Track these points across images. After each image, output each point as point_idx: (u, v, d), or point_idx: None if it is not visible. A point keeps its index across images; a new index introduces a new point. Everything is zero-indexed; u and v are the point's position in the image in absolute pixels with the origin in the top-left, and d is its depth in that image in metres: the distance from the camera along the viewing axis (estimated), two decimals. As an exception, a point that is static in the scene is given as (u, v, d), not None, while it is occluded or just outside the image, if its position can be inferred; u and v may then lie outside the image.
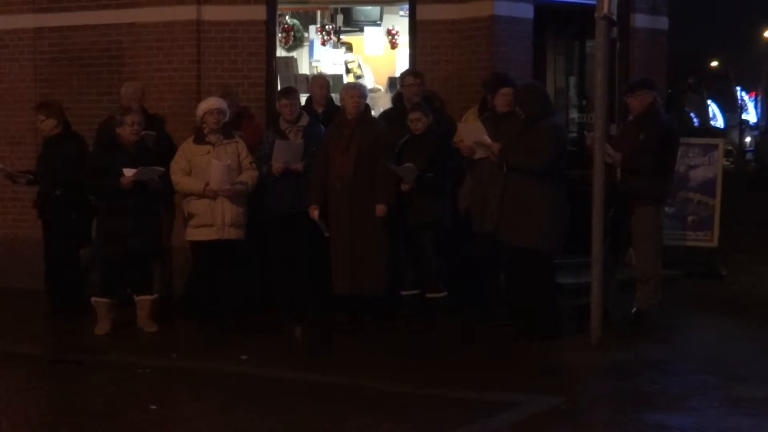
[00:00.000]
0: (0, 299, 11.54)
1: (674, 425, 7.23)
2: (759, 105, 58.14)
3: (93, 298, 9.99)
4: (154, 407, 7.78)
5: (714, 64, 53.46)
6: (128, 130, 9.79)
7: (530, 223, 9.23)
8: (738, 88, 54.74)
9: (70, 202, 10.35)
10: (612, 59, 10.35)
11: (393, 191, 9.97)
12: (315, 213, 10.05)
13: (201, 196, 9.99)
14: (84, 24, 12.11)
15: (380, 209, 9.94)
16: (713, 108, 50.06)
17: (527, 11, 11.51)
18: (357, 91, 10.32)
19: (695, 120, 35.27)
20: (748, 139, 51.42)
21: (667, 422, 7.29)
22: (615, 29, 11.08)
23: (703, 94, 45.07)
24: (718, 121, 49.12)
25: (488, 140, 9.46)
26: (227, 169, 9.91)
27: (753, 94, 58.07)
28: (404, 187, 9.95)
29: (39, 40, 12.40)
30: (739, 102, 55.01)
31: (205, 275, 10.21)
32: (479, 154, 9.83)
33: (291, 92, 10.61)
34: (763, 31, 52.87)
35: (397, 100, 10.86)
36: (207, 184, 9.93)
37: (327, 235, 10.07)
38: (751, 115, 56.80)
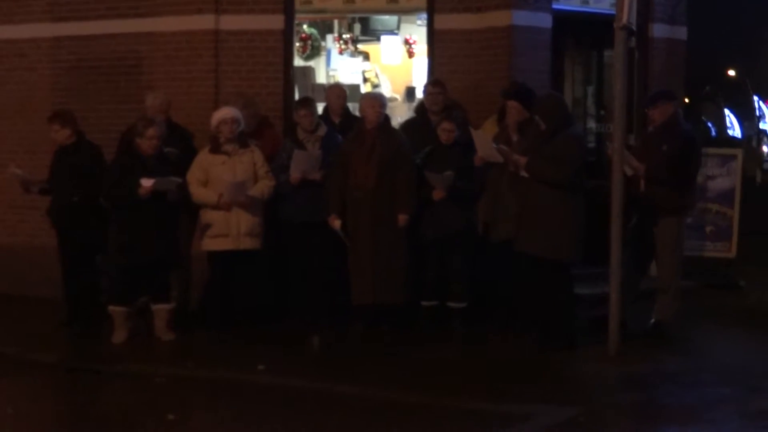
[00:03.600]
0: (18, 307, 11.59)
1: (692, 437, 7.24)
2: (776, 114, 57.88)
3: (110, 307, 9.99)
4: (171, 417, 7.78)
5: (731, 72, 53.30)
6: (147, 143, 9.79)
7: (551, 232, 9.21)
8: (755, 97, 54.55)
9: (86, 210, 10.33)
10: (630, 69, 10.32)
11: (415, 201, 9.96)
12: (336, 223, 10.04)
13: (215, 207, 9.99)
14: (102, 33, 12.15)
15: (402, 219, 9.94)
16: (730, 117, 49.93)
17: (546, 21, 11.51)
18: (377, 101, 10.32)
19: (712, 130, 35.16)
20: (765, 149, 51.17)
21: (686, 435, 7.29)
22: (633, 39, 11.04)
23: (720, 103, 44.97)
24: (735, 131, 48.99)
25: (514, 154, 9.42)
26: (239, 186, 9.92)
27: (770, 103, 57.85)
28: (437, 195, 9.94)
29: (57, 49, 12.45)
30: (757, 111, 54.80)
31: (221, 285, 10.21)
32: (493, 158, 9.81)
33: (309, 102, 10.62)
34: (780, 40, 52.71)
35: (421, 109, 10.87)
36: (221, 195, 9.94)
37: (348, 244, 10.07)
38: (768, 125, 56.58)
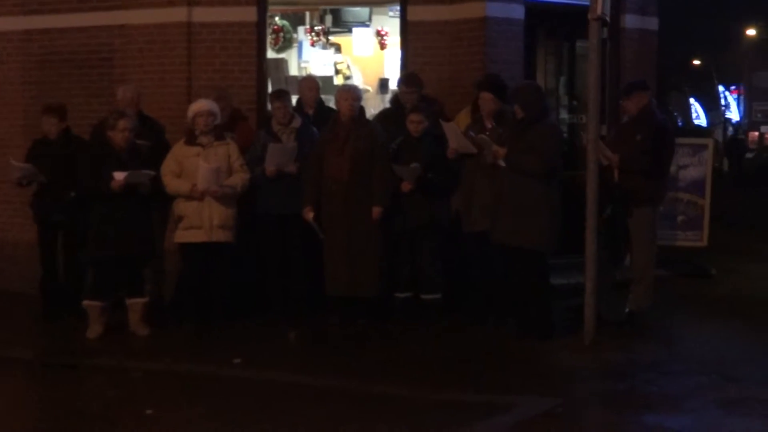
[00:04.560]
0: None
1: (672, 427, 7.27)
2: (741, 103, 58.35)
3: (85, 302, 9.94)
4: (149, 411, 7.74)
5: (696, 62, 53.61)
6: (119, 135, 9.76)
7: (529, 223, 9.24)
8: (720, 87, 54.94)
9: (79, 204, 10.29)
10: (603, 60, 10.37)
11: (389, 193, 9.97)
12: (310, 215, 10.05)
13: (189, 197, 9.96)
14: (74, 26, 12.07)
15: (376, 211, 9.94)
16: (696, 107, 50.25)
17: (518, 12, 11.53)
18: (351, 93, 10.32)
19: (679, 119, 35.40)
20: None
21: (665, 424, 7.33)
22: (605, 30, 11.10)
23: (686, 92, 45.22)
24: (701, 120, 49.31)
25: (494, 145, 9.44)
26: (215, 172, 9.88)
27: (735, 92, 58.28)
28: (405, 187, 9.95)
29: (28, 42, 12.35)
30: (722, 100, 55.21)
31: (194, 278, 10.18)
32: (466, 149, 9.83)
33: (283, 94, 10.60)
34: (745, 29, 53.06)
35: (396, 101, 10.87)
36: (194, 185, 9.91)
37: (321, 237, 10.07)
38: (733, 113, 57.00)
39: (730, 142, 38.62)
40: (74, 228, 10.46)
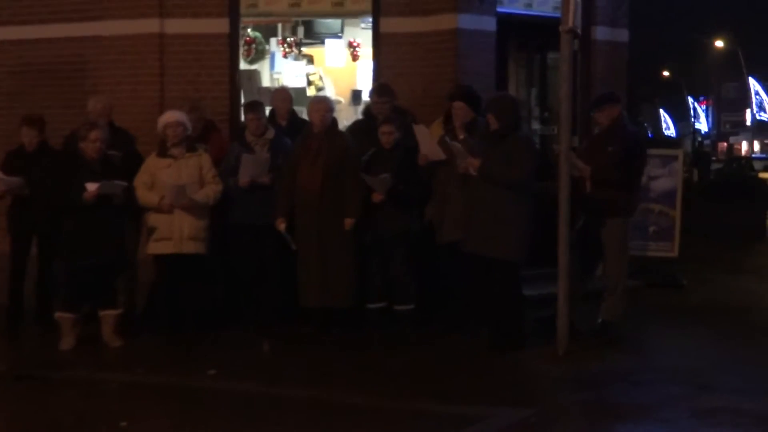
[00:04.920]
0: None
1: (645, 436, 7.33)
2: (710, 114, 58.76)
3: (57, 314, 9.90)
4: (123, 424, 7.71)
5: (666, 74, 53.96)
6: (91, 146, 9.75)
7: (501, 233, 9.28)
8: (690, 98, 55.33)
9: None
10: (574, 72, 10.44)
11: (361, 204, 9.99)
12: (282, 226, 10.05)
13: (158, 210, 9.97)
14: (46, 37, 12.08)
15: (348, 222, 9.96)
16: (665, 117, 50.57)
17: (490, 24, 11.61)
18: (323, 104, 10.34)
19: (649, 130, 35.62)
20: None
21: (639, 434, 7.38)
22: (576, 42, 11.17)
23: (656, 104, 45.49)
24: (671, 131, 49.62)
25: (468, 156, 9.46)
26: (178, 188, 9.89)
27: (704, 103, 58.70)
28: (376, 198, 9.98)
29: (0, 53, 12.30)
30: (691, 111, 55.59)
31: (166, 289, 10.17)
32: (436, 156, 9.86)
33: (257, 106, 10.60)
34: (713, 41, 53.44)
35: (368, 112, 10.90)
36: (162, 198, 9.92)
37: (293, 248, 10.08)
38: (702, 124, 57.38)
39: (695, 154, 38.88)
40: (50, 239, 10.44)
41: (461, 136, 9.95)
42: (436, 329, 10.24)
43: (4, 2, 12.30)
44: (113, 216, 9.82)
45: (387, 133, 10.12)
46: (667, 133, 47.38)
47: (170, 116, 10.15)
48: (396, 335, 10.12)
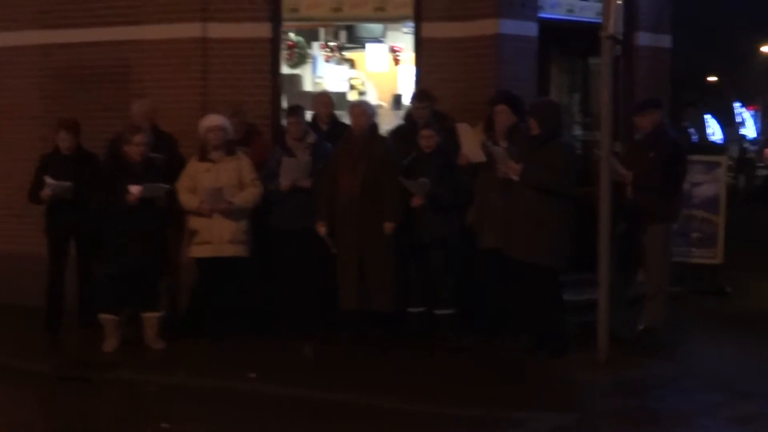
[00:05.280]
0: (5, 316, 11.55)
1: (684, 443, 7.29)
2: (758, 120, 58.19)
3: (100, 315, 9.99)
4: (164, 425, 7.79)
5: (712, 79, 53.51)
6: (135, 149, 9.84)
7: (542, 239, 9.26)
8: (737, 103, 54.84)
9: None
10: (616, 77, 10.40)
11: (401, 208, 10.01)
12: (322, 230, 10.09)
13: (197, 213, 10.03)
14: (90, 41, 12.12)
15: (388, 227, 9.97)
16: (712, 123, 50.17)
17: (532, 29, 11.56)
18: (360, 108, 10.38)
19: (694, 136, 35.32)
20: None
21: (678, 440, 7.35)
22: (619, 47, 11.11)
23: (701, 109, 45.15)
24: (717, 136, 49.21)
25: (510, 161, 9.45)
26: (216, 192, 9.96)
27: (752, 108, 58.15)
28: (415, 202, 9.99)
29: (45, 57, 12.41)
30: (738, 117, 55.09)
31: (206, 292, 10.23)
32: (476, 157, 9.84)
33: (298, 110, 10.66)
34: (760, 46, 52.95)
35: (409, 116, 10.91)
36: (202, 201, 10.00)
37: (334, 251, 10.10)
38: (749, 130, 56.84)
39: (740, 160, 38.52)
40: (88, 241, 10.54)
41: (503, 143, 9.92)
42: (477, 334, 10.22)
43: (49, 7, 12.39)
44: (155, 219, 9.90)
45: (427, 137, 10.14)
46: (713, 138, 46.94)
47: (212, 120, 10.22)
48: (436, 339, 10.12)
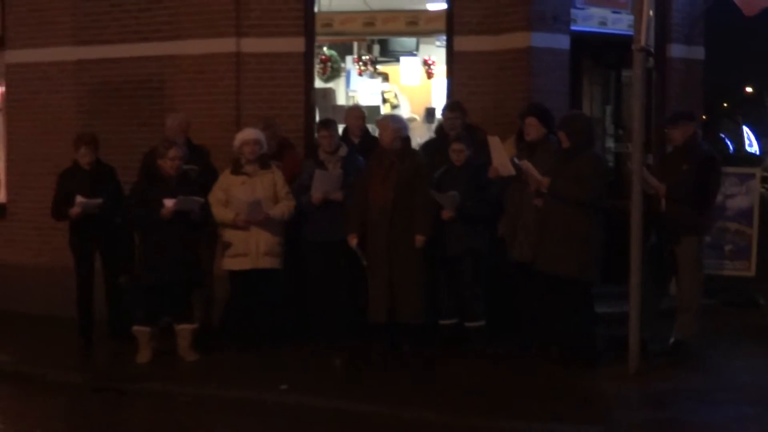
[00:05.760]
0: (42, 327, 11.69)
1: (715, 456, 7.28)
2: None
3: (135, 327, 10.07)
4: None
5: (749, 89, 53.18)
6: (169, 164, 9.92)
7: (573, 252, 9.28)
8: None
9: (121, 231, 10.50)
10: (648, 89, 10.40)
11: (432, 221, 10.05)
12: (354, 242, 10.14)
13: (233, 226, 10.10)
14: (125, 56, 12.28)
15: (419, 240, 10.02)
16: (748, 134, 49.82)
17: (564, 42, 11.59)
18: (385, 122, 10.44)
19: (730, 146, 35.10)
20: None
21: (708, 453, 7.34)
22: (651, 59, 11.12)
23: (738, 120, 44.85)
24: (754, 147, 48.84)
25: (538, 175, 9.48)
26: (256, 204, 10.03)
27: (789, 119, 57.66)
28: (445, 215, 10.03)
29: (81, 72, 12.58)
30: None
31: (241, 304, 10.30)
32: (506, 170, 9.87)
33: (330, 123, 10.73)
34: (797, 57, 52.56)
35: (440, 130, 10.96)
36: (237, 214, 10.06)
37: (365, 264, 10.15)
38: (787, 141, 56.40)
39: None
40: (113, 253, 10.66)
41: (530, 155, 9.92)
42: (508, 346, 10.23)
43: (85, 23, 12.55)
44: (190, 231, 9.97)
45: (458, 151, 10.18)
46: (750, 150, 46.62)
47: (248, 134, 10.30)
48: (467, 352, 10.15)
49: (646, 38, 9.13)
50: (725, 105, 38.52)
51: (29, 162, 12.97)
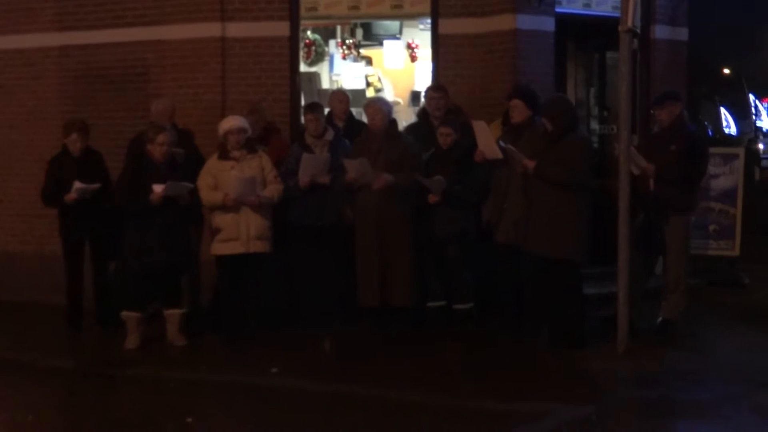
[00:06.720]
0: (29, 314, 11.67)
1: (706, 434, 7.33)
2: (773, 112, 57.90)
3: (123, 313, 10.05)
4: (189, 420, 7.86)
5: (726, 71, 53.30)
6: (158, 149, 9.88)
7: (561, 233, 9.31)
8: (751, 95, 54.58)
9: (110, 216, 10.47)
10: (633, 71, 10.43)
11: (409, 184, 10.06)
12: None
13: (223, 208, 10.08)
14: (109, 42, 12.26)
15: (386, 178, 10.02)
16: (726, 115, 49.97)
17: (549, 24, 11.61)
18: (376, 106, 10.45)
19: (709, 128, 35.18)
20: (761, 146, 51.14)
21: (698, 430, 7.39)
22: (636, 41, 11.15)
23: (716, 101, 44.96)
24: (732, 129, 49.00)
25: (523, 158, 9.51)
26: (248, 182, 10.00)
27: (766, 100, 57.91)
28: (432, 199, 10.05)
29: (65, 58, 12.56)
30: (753, 109, 54.82)
31: (231, 288, 10.29)
32: (493, 153, 9.89)
33: (316, 107, 10.72)
34: (775, 37, 52.73)
35: (423, 114, 10.96)
36: (226, 194, 10.02)
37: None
38: (765, 122, 56.61)
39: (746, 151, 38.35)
40: (103, 240, 10.65)
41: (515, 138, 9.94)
42: (496, 328, 10.26)
43: (69, 8, 12.51)
44: (179, 217, 9.95)
45: (445, 135, 10.20)
46: (728, 131, 46.76)
47: (232, 123, 10.23)
48: (456, 334, 10.18)
49: (632, 19, 9.15)
50: (703, 87, 38.55)
51: (13, 148, 12.93)
